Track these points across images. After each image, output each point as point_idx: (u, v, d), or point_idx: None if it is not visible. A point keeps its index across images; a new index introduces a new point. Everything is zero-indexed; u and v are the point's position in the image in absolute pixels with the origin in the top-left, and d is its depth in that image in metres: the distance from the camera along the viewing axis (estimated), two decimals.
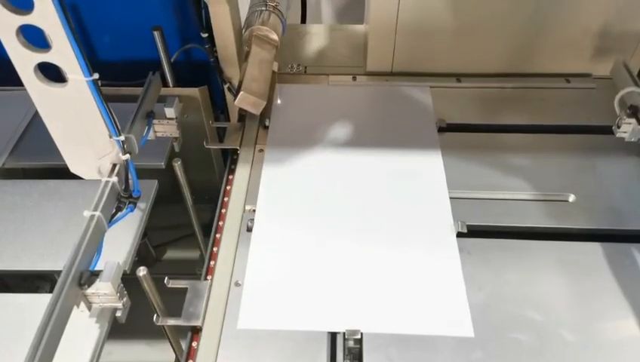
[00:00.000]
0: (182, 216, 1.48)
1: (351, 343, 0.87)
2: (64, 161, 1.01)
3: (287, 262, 0.99)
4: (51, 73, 0.88)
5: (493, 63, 1.41)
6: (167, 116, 1.21)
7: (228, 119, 1.48)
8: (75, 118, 0.92)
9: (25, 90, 0.88)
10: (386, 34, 1.38)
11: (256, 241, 1.02)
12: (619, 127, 1.15)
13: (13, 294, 1.01)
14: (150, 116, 1.18)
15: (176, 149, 1.27)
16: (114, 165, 1.01)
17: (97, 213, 0.93)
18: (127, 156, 0.98)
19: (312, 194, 1.11)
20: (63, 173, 1.14)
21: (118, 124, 0.94)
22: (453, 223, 1.04)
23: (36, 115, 1.33)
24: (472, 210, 1.09)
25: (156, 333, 1.33)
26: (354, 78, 1.44)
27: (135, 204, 1.03)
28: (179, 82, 1.47)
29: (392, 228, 1.04)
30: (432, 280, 0.96)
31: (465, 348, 0.87)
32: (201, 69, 1.55)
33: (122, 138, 0.95)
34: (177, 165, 1.23)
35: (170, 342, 1.11)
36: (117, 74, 1.46)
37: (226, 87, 1.44)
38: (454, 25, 1.35)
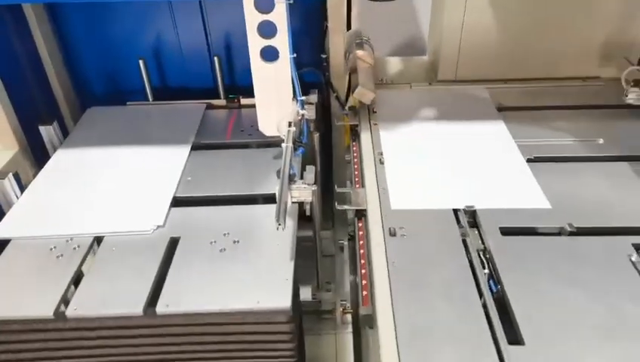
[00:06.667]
0: None
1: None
2: None
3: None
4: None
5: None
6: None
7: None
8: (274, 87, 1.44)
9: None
10: (452, 57, 1.95)
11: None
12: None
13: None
14: None
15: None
16: (289, 123, 1.51)
17: (289, 145, 1.41)
18: (305, 111, 1.48)
19: (419, 145, 1.61)
20: None
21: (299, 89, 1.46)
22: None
23: (201, 123, 1.85)
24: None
25: None
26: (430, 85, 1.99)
27: (304, 147, 1.51)
28: None
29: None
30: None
31: None
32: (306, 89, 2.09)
33: (303, 98, 1.47)
34: (316, 137, 1.72)
35: None
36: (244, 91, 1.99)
37: (334, 95, 1.98)
38: (506, 45, 1.90)
